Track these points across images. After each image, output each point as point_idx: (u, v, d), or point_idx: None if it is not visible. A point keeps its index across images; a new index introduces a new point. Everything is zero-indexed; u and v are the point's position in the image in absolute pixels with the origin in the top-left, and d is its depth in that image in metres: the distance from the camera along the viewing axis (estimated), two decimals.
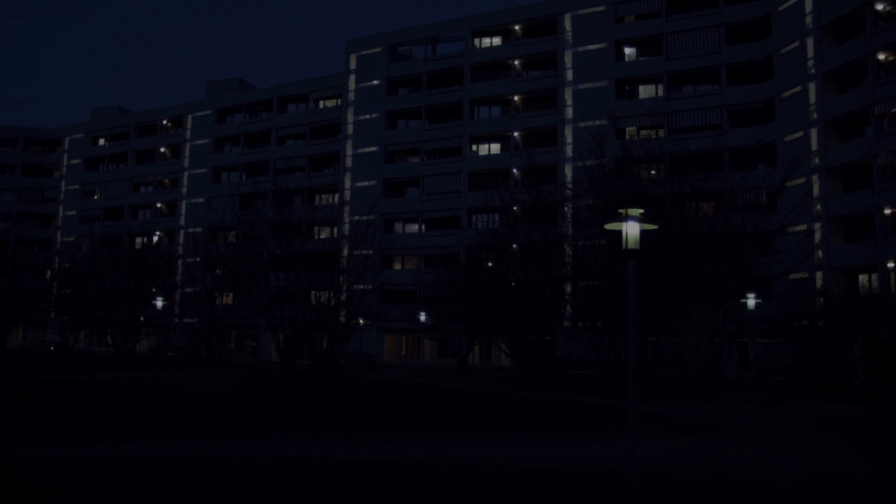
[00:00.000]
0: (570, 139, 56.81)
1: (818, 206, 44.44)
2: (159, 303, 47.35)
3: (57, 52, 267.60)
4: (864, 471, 14.94)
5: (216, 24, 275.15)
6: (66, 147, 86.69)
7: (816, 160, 44.94)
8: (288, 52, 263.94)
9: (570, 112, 57.47)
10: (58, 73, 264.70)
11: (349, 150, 66.63)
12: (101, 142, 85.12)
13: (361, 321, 52.30)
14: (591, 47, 57.23)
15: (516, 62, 60.82)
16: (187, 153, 76.60)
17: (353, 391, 33.00)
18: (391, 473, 13.46)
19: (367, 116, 65.99)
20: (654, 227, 12.32)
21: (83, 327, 66.39)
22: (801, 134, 46.53)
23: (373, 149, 65.23)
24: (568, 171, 55.00)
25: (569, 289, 43.21)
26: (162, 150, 79.01)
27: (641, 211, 11.88)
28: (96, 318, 62.53)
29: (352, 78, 67.28)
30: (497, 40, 63.18)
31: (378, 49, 66.44)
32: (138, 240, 76.28)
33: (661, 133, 52.34)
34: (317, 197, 69.21)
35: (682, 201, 37.94)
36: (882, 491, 12.98)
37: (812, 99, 45.91)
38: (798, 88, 47.05)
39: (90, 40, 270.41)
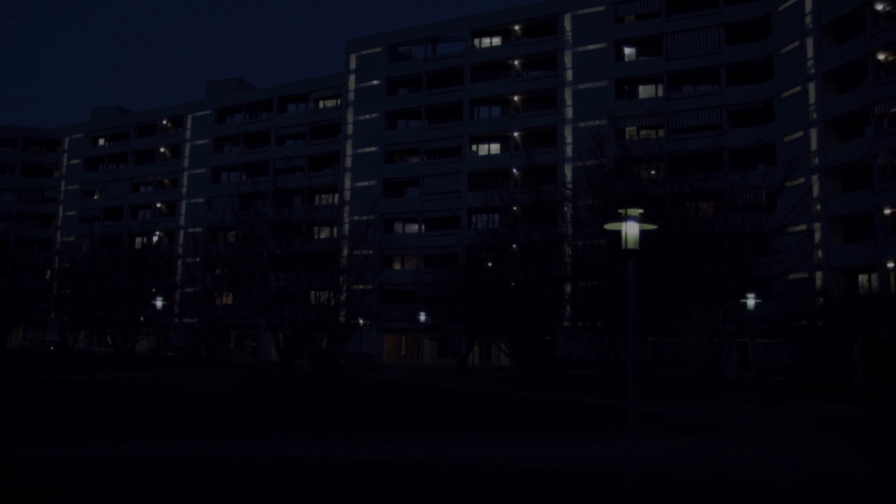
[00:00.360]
0: (569, 139, 56.82)
1: (818, 206, 44.45)
2: (159, 303, 47.32)
3: (57, 52, 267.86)
4: (863, 471, 14.95)
5: (216, 24, 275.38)
6: (66, 147, 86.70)
7: (816, 160, 44.94)
8: (288, 52, 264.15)
9: (569, 112, 57.48)
10: (58, 73, 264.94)
11: (349, 150, 66.64)
12: (101, 142, 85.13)
13: (361, 321, 52.29)
14: (590, 47, 57.24)
15: (516, 62, 60.83)
16: (187, 153, 76.62)
17: (352, 391, 33.01)
18: (391, 473, 13.46)
19: (367, 116, 66.00)
20: (654, 227, 12.32)
21: (83, 327, 66.40)
22: (800, 134, 46.55)
23: (373, 149, 65.24)
24: (568, 171, 55.01)
25: (568, 289, 43.21)
26: (162, 150, 79.03)
27: (641, 211, 11.89)
28: (96, 318, 62.56)
29: (352, 78, 67.29)
30: (497, 40, 63.19)
31: (378, 49, 66.45)
32: (138, 240, 76.27)
33: (661, 133, 52.35)
34: (317, 197, 69.23)
35: (681, 201, 37.95)
36: (882, 491, 12.99)
37: (812, 99, 45.92)
38: (798, 88, 47.06)
39: (90, 40, 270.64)
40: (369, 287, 55.35)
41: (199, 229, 70.58)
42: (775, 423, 22.52)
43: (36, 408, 23.61)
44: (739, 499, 11.92)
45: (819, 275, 43.75)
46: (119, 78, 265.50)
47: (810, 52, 46.22)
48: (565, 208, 43.32)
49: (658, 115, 52.79)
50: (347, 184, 66.10)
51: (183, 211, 75.56)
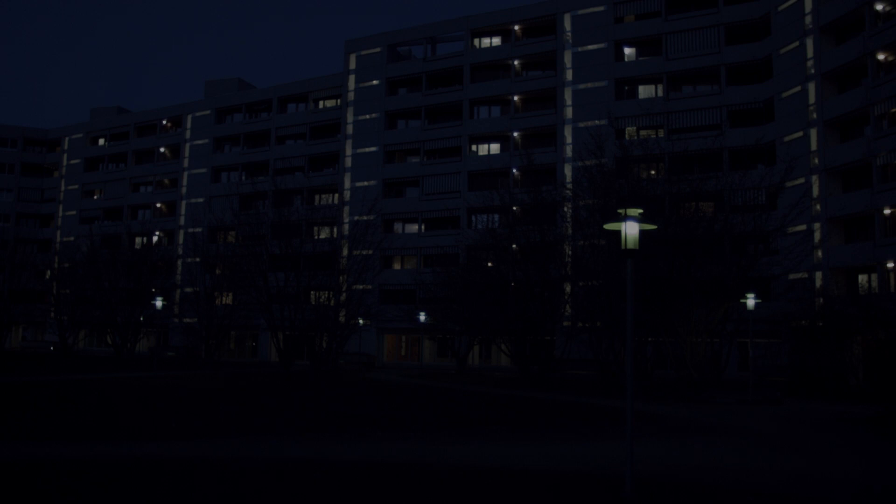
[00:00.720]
0: (569, 139, 56.82)
1: (817, 206, 44.44)
2: (159, 303, 47.41)
3: (58, 54, 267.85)
4: (857, 472, 14.97)
5: (215, 24, 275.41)
6: (66, 147, 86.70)
7: (816, 160, 44.94)
8: (287, 52, 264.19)
9: (569, 112, 57.48)
10: (59, 77, 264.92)
11: (349, 150, 66.66)
12: (101, 142, 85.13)
13: (361, 321, 52.26)
14: (590, 47, 57.24)
15: (516, 62, 60.83)
16: (187, 153, 76.62)
17: (351, 392, 33.01)
18: (389, 473, 13.46)
19: (367, 116, 66.02)
20: (654, 227, 12.33)
21: (82, 327, 66.39)
22: (800, 134, 46.54)
23: (372, 149, 65.25)
24: (567, 171, 55.01)
25: (568, 289, 43.19)
26: (161, 150, 79.03)
27: (640, 211, 11.89)
28: (95, 319, 62.55)
29: (351, 78, 67.30)
30: (496, 40, 63.20)
31: (377, 49, 66.47)
32: (138, 240, 76.26)
33: (661, 133, 52.35)
34: (316, 197, 69.22)
35: (681, 201, 37.94)
36: (875, 492, 13.00)
37: (811, 99, 45.91)
38: (797, 88, 47.06)
39: (90, 43, 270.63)
40: (369, 287, 55.34)
41: (198, 229, 70.58)
42: (772, 424, 22.52)
43: (35, 408, 23.60)
44: (733, 499, 11.90)
45: (818, 275, 43.74)
46: (119, 80, 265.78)
47: (810, 52, 46.21)
48: (565, 208, 43.29)
49: (658, 115, 52.76)
50: (347, 184, 66.11)
51: (183, 211, 75.56)
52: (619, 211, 11.87)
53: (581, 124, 55.94)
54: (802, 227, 43.68)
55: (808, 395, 33.25)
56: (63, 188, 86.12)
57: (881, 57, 41.74)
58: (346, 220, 62.50)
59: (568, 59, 58.10)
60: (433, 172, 62.58)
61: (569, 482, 12.90)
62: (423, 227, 62.82)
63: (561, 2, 58.69)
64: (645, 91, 56.22)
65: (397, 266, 64.15)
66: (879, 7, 42.11)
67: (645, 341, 38.54)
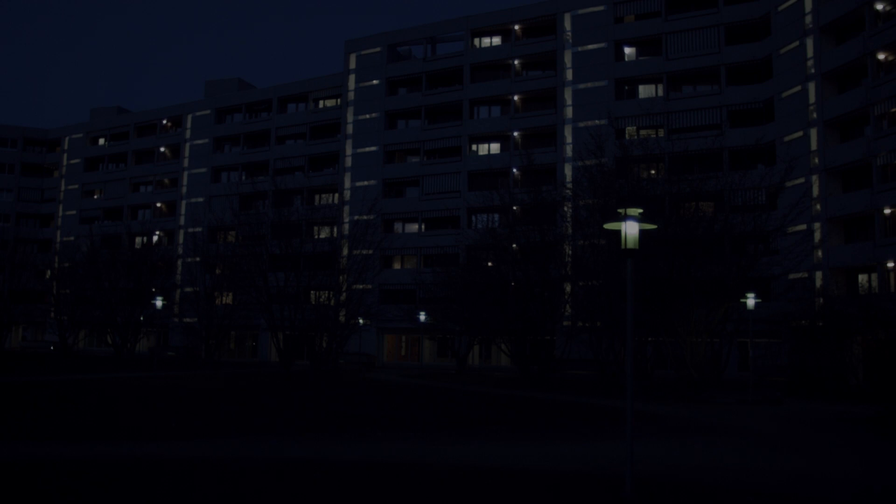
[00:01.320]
0: (569, 139, 56.81)
1: (817, 206, 44.44)
2: (159, 303, 47.44)
3: (59, 56, 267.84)
4: (857, 472, 14.97)
5: (216, 23, 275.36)
6: (66, 147, 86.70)
7: (816, 160, 44.94)
8: (287, 52, 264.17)
9: (569, 112, 57.47)
10: (59, 77, 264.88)
11: (349, 150, 66.66)
12: (101, 142, 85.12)
13: (361, 321, 52.25)
14: (590, 47, 57.23)
15: (516, 62, 60.82)
16: (187, 153, 76.62)
17: (351, 392, 33.01)
18: (389, 473, 13.46)
19: (367, 116, 66.02)
20: (654, 226, 12.32)
21: (82, 327, 66.39)
22: (800, 134, 46.53)
23: (372, 149, 65.26)
24: (567, 170, 54.99)
25: (568, 289, 43.17)
26: (161, 149, 79.03)
27: (640, 211, 11.89)
28: (95, 319, 62.55)
29: (351, 78, 67.30)
30: (496, 40, 63.21)
31: (377, 49, 66.47)
32: (138, 240, 76.26)
33: (661, 133, 52.33)
34: (316, 197, 69.22)
35: (681, 201, 37.93)
36: (875, 492, 13.00)
37: (811, 99, 45.91)
38: (797, 88, 47.05)
39: (90, 44, 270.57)
40: (369, 287, 55.34)
41: (198, 229, 70.60)
42: (772, 424, 22.52)
43: (35, 408, 23.59)
44: (733, 499, 11.90)
45: (818, 275, 43.73)
46: (119, 80, 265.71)
47: (810, 52, 46.20)
48: (565, 208, 43.28)
49: (658, 114, 52.75)
50: (347, 184, 66.11)
51: (183, 211, 75.56)
52: (619, 211, 11.87)
53: (581, 124, 55.94)
54: (802, 227, 43.67)
55: (808, 395, 33.24)
56: (63, 188, 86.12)
57: (881, 57, 41.73)
58: (346, 219, 62.50)
59: (568, 58, 58.10)
60: (433, 172, 62.58)
61: (569, 482, 12.90)
62: (423, 226, 62.82)
63: (561, 2, 58.68)
64: (645, 91, 56.23)
65: (397, 266, 64.16)
66: (879, 7, 42.10)
67: (645, 341, 38.50)
